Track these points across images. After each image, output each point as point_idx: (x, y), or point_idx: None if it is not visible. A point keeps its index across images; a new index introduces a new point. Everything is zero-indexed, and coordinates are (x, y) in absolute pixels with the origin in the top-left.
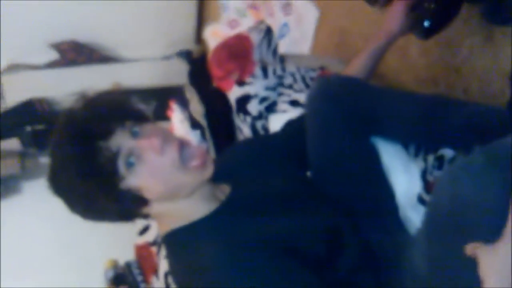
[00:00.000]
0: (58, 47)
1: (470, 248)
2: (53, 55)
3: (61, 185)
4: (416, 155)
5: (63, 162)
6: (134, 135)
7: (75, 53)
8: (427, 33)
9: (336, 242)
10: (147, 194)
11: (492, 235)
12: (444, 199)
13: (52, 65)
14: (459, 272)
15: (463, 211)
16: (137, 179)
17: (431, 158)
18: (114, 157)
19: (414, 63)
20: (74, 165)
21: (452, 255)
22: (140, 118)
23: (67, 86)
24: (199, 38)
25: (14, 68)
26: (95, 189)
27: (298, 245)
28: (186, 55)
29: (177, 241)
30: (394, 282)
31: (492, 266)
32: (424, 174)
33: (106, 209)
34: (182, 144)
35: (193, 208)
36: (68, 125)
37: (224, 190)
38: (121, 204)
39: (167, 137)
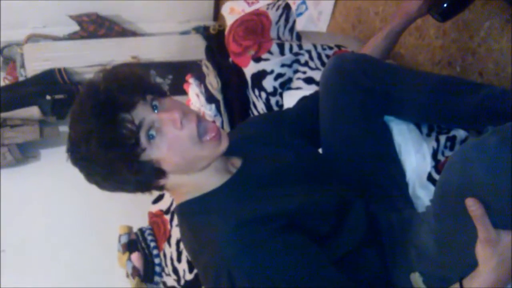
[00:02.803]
0: (78, 19)
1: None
2: (74, 27)
3: (81, 156)
4: (428, 134)
5: (86, 133)
6: (154, 108)
7: (95, 26)
8: (445, 15)
9: (342, 220)
10: (166, 166)
11: (500, 216)
12: (454, 178)
13: (72, 36)
14: (465, 250)
15: (473, 190)
16: (157, 151)
17: (443, 138)
18: (137, 129)
19: (431, 44)
20: (97, 135)
21: (460, 233)
22: (159, 92)
23: (86, 58)
24: (216, 15)
25: (35, 38)
26: (117, 160)
27: (305, 220)
28: (203, 30)
29: (189, 212)
30: (399, 259)
31: (491, 256)
32: (435, 154)
33: (125, 180)
34: (199, 119)
35: (206, 180)
36: (91, 96)
37: (236, 163)
38: (141, 176)
39: (186, 111)
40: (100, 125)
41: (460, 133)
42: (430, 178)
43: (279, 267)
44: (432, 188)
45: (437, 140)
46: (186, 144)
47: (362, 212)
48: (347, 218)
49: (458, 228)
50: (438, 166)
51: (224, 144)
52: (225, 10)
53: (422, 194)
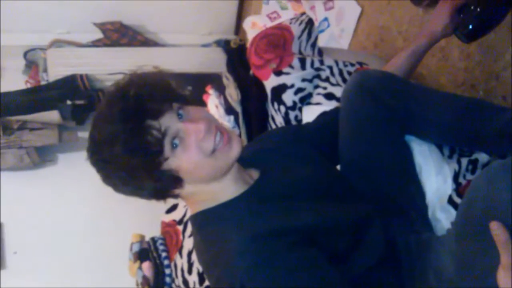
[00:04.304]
0: (102, 27)
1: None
2: (97, 35)
3: (103, 158)
4: (450, 156)
5: (111, 136)
6: (180, 117)
7: (119, 34)
8: (470, 37)
9: (359, 239)
10: (183, 176)
11: None
12: (479, 200)
13: (95, 44)
14: (486, 275)
15: (498, 213)
16: (177, 161)
17: (465, 161)
18: (162, 137)
19: (454, 66)
20: (122, 140)
21: (481, 258)
22: (185, 100)
23: (108, 66)
24: (238, 29)
25: (59, 43)
26: (139, 166)
27: (321, 237)
28: (224, 44)
29: (203, 221)
30: (417, 282)
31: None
32: (456, 176)
33: (143, 186)
34: (220, 130)
35: (222, 190)
36: (120, 99)
37: (253, 175)
38: (159, 183)
39: (209, 122)
40: (127, 130)
41: (482, 157)
42: (450, 201)
43: (292, 283)
44: (452, 211)
45: (459, 163)
46: (202, 157)
47: (380, 232)
48: (364, 237)
49: (480, 252)
50: (459, 189)
51: (236, 149)
52: (247, 24)
53: (442, 217)
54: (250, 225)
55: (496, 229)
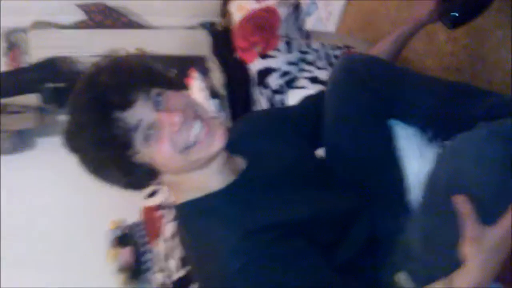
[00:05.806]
0: (86, 8)
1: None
2: (80, 16)
3: (75, 145)
4: (433, 140)
5: (79, 126)
6: (157, 105)
7: (102, 16)
8: (455, 23)
9: (348, 228)
10: (160, 168)
11: (485, 211)
12: (443, 170)
13: (78, 25)
14: (452, 247)
15: (461, 185)
16: (151, 153)
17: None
18: (131, 130)
19: (440, 49)
20: (89, 132)
21: (446, 229)
22: (166, 85)
23: (91, 48)
24: (224, 12)
25: (40, 25)
26: (107, 158)
27: (311, 228)
28: (209, 26)
29: (190, 213)
30: (387, 261)
31: (477, 253)
32: None
33: (115, 178)
34: (202, 121)
35: (207, 179)
36: (89, 89)
37: (240, 162)
38: (132, 177)
39: (187, 114)
40: (93, 122)
41: None
42: None
43: (287, 281)
44: None
45: (442, 146)
46: (174, 152)
47: (367, 222)
48: (352, 228)
49: (444, 225)
50: None
51: (217, 143)
52: (233, 6)
53: None
54: (241, 220)
55: (459, 202)
